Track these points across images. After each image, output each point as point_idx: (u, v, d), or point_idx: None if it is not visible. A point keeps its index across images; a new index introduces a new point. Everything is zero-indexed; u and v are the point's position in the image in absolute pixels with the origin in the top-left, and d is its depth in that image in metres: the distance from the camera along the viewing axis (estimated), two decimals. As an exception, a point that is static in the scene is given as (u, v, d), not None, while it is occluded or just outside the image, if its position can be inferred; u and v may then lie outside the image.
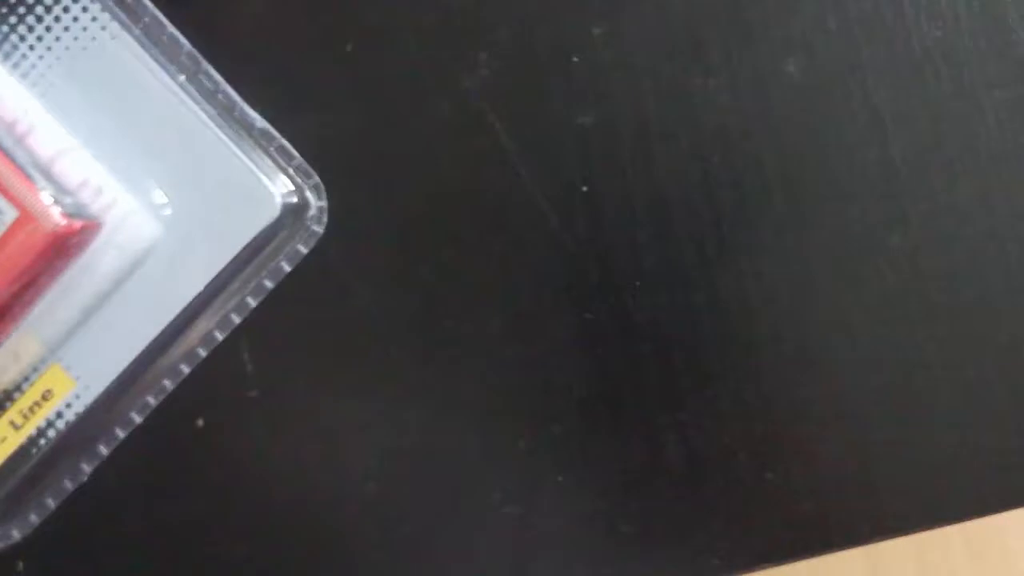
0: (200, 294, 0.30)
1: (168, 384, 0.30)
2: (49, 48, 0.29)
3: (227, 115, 0.29)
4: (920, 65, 0.28)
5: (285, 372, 0.32)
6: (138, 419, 0.30)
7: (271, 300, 0.30)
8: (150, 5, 0.29)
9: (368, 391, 0.31)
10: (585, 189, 0.28)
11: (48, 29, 0.29)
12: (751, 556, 0.31)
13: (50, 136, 0.28)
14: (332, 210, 0.30)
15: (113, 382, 0.30)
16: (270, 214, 0.29)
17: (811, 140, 0.28)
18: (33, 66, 0.29)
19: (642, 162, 0.28)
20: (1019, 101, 0.29)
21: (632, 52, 0.28)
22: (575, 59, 0.28)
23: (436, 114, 0.29)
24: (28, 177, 0.26)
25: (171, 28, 0.29)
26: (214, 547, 0.32)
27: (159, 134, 0.29)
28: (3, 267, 0.25)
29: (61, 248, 0.26)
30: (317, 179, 0.30)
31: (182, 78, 0.29)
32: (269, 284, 0.30)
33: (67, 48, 0.29)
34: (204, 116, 0.29)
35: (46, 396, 0.30)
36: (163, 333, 0.30)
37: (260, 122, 0.30)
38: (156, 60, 0.29)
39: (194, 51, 0.29)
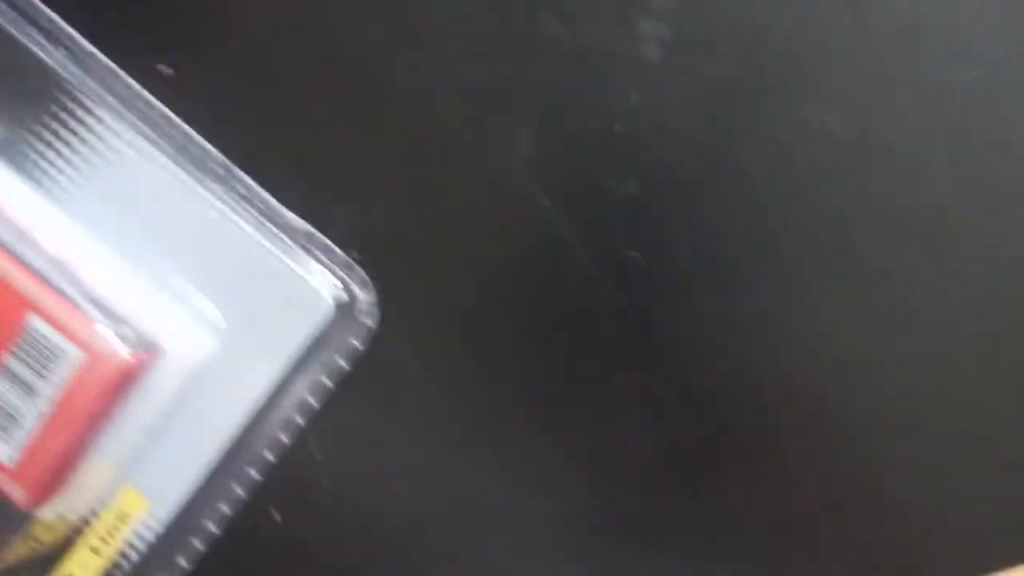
0: (261, 401, 0.30)
1: (240, 491, 0.30)
2: (83, 173, 0.29)
3: (266, 220, 0.29)
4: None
5: (353, 459, 0.32)
6: (214, 529, 0.31)
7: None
8: (177, 120, 0.29)
9: (433, 470, 0.31)
10: (636, 255, 0.28)
11: (80, 154, 0.29)
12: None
13: (100, 266, 0.28)
14: (382, 300, 0.30)
15: (186, 497, 0.30)
16: (321, 315, 0.29)
17: (861, 197, 0.27)
18: (68, 193, 0.29)
19: (690, 226, 0.28)
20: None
21: (671, 117, 0.28)
22: (616, 128, 0.28)
23: (479, 194, 0.29)
24: (88, 314, 0.26)
25: (199, 139, 0.29)
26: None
27: (202, 247, 0.29)
28: (75, 410, 0.25)
29: (128, 381, 0.26)
30: (363, 273, 0.30)
31: (217, 188, 0.29)
32: (328, 382, 0.30)
33: (100, 171, 0.29)
34: (243, 224, 0.29)
35: (122, 518, 0.30)
36: (230, 444, 0.30)
37: (299, 223, 0.29)
38: (189, 173, 0.29)
39: (225, 159, 0.29)
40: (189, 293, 0.29)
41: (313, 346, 0.29)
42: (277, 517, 0.32)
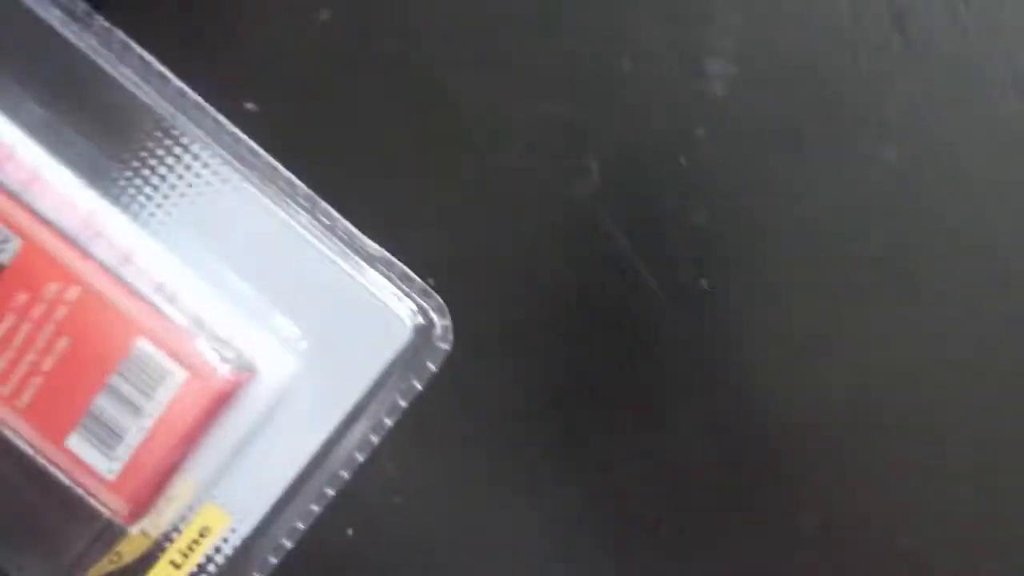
0: (341, 420, 0.31)
1: (315, 508, 0.31)
2: (175, 203, 0.30)
3: (348, 248, 0.31)
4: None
5: (426, 476, 0.33)
6: (289, 544, 0.32)
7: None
8: (263, 153, 0.31)
9: (502, 490, 0.32)
10: (704, 284, 0.29)
11: (172, 186, 0.30)
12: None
13: (195, 291, 0.29)
14: (456, 324, 0.31)
15: (265, 513, 0.31)
16: (402, 339, 0.30)
17: (916, 224, 0.29)
18: (162, 223, 0.30)
19: (753, 254, 0.29)
20: None
21: (736, 148, 0.29)
22: (682, 160, 0.29)
23: (551, 223, 0.30)
24: (190, 336, 0.27)
25: (285, 171, 0.31)
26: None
27: (288, 273, 0.30)
28: (176, 428, 0.27)
29: (227, 400, 0.27)
30: (439, 299, 0.31)
31: (303, 217, 0.31)
32: (403, 403, 0.31)
33: (193, 202, 0.30)
34: (328, 252, 0.30)
35: (204, 533, 0.31)
36: (309, 462, 0.31)
37: (379, 251, 0.31)
38: (275, 203, 0.30)
39: (309, 191, 0.31)
40: (276, 317, 0.30)
41: (391, 368, 0.31)
42: (349, 532, 0.33)
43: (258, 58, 0.32)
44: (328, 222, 0.31)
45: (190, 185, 0.30)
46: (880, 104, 0.29)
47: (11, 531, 0.31)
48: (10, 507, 0.31)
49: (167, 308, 0.28)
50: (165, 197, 0.30)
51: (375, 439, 0.31)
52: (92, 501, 0.28)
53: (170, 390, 0.27)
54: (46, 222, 0.27)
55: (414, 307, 0.31)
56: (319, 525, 0.31)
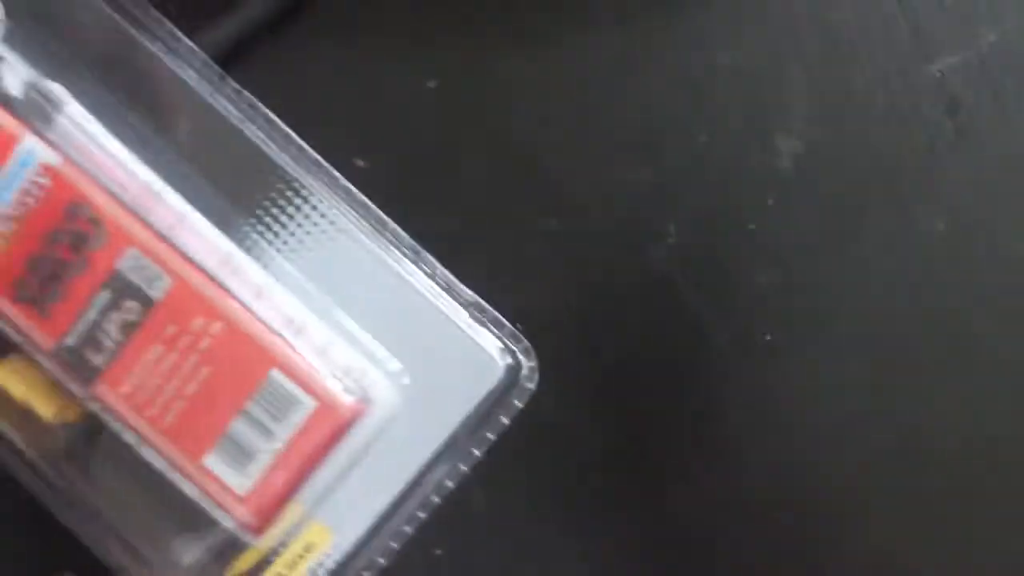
0: (436, 449, 0.34)
1: (408, 529, 0.34)
2: (294, 249, 0.33)
3: (446, 294, 0.34)
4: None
5: (510, 505, 0.36)
6: (383, 562, 0.34)
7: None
8: (372, 206, 0.34)
9: (582, 521, 0.35)
10: (768, 338, 0.33)
11: (292, 233, 0.33)
12: None
13: (317, 328, 0.32)
14: (541, 368, 0.34)
15: (364, 533, 0.34)
16: (494, 378, 0.33)
17: (961, 292, 0.32)
18: (281, 267, 0.34)
19: (817, 314, 0.32)
20: None
21: (801, 217, 0.32)
22: (751, 226, 0.32)
23: (630, 277, 0.33)
24: (319, 368, 0.30)
25: (392, 224, 0.34)
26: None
27: (394, 315, 0.33)
28: (302, 451, 0.30)
29: (349, 427, 0.30)
30: (527, 343, 0.34)
31: (408, 265, 0.34)
32: (491, 436, 0.34)
33: (311, 249, 0.33)
34: (429, 296, 0.33)
35: (308, 549, 0.34)
36: (405, 486, 0.34)
37: (474, 297, 0.34)
38: (384, 251, 0.34)
39: (413, 242, 0.34)
40: (382, 354, 0.33)
41: (482, 404, 0.34)
42: (438, 552, 0.36)
43: (370, 119, 0.36)
44: (429, 270, 0.34)
45: (308, 232, 0.33)
46: (932, 181, 0.32)
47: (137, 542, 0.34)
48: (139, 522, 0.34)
49: (296, 341, 0.31)
50: (284, 243, 0.33)
51: (465, 468, 0.34)
52: (221, 515, 0.31)
53: (299, 417, 0.30)
54: (192, 261, 0.31)
55: (504, 349, 0.34)
56: (411, 545, 0.34)
